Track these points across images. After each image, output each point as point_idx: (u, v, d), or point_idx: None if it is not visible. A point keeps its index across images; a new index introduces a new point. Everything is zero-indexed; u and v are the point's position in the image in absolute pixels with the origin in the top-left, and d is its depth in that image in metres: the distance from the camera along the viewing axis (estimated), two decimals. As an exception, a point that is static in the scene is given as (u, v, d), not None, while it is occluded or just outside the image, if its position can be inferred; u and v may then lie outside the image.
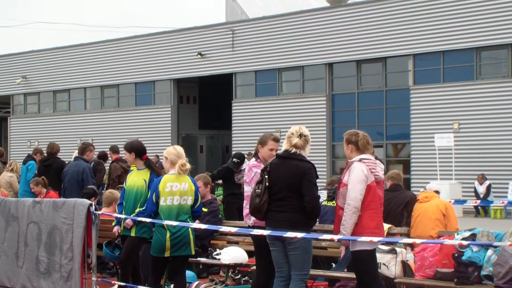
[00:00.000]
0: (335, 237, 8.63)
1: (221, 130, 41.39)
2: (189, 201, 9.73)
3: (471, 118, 29.23)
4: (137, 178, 10.40)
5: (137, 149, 10.52)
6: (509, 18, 28.53)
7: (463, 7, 29.67)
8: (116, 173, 16.54)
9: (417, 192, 16.14)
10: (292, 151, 8.73)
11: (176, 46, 39.20)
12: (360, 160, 8.63)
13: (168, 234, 9.58)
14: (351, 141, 8.79)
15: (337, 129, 33.10)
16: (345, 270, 10.39)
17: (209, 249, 12.29)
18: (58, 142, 20.71)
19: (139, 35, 41.82)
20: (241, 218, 14.33)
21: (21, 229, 10.75)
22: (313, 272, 10.11)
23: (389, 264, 10.07)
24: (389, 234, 10.66)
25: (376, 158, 9.25)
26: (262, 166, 9.08)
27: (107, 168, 17.80)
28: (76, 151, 14.96)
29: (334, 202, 12.35)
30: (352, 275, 9.27)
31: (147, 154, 10.75)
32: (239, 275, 12.39)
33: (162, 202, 9.65)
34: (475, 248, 9.30)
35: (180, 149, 9.96)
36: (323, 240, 10.80)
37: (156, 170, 10.54)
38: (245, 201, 9.55)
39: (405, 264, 10.14)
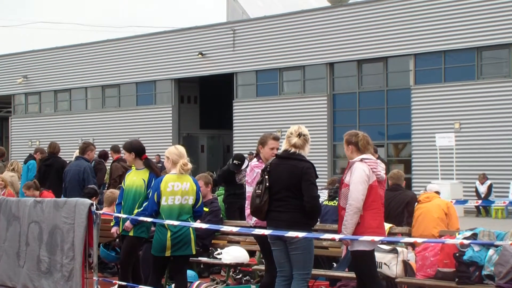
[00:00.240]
0: (336, 237, 8.64)
1: (222, 130, 41.39)
2: (190, 200, 9.73)
3: (472, 118, 29.22)
4: (135, 178, 10.40)
5: (137, 149, 10.53)
6: (510, 18, 28.51)
7: (464, 7, 29.66)
8: (117, 172, 16.55)
9: (418, 192, 16.15)
10: (291, 151, 8.73)
11: (177, 45, 39.21)
12: (361, 160, 8.63)
13: (169, 234, 9.58)
14: (351, 141, 8.79)
15: (338, 129, 33.09)
16: (346, 269, 10.40)
17: (210, 248, 12.30)
18: (59, 141, 20.72)
19: (140, 35, 41.83)
20: (242, 218, 14.36)
21: (22, 229, 10.76)
22: (314, 271, 10.10)
23: (390, 264, 10.07)
24: (390, 234, 10.66)
25: (379, 158, 9.27)
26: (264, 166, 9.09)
27: (108, 167, 17.81)
28: (77, 150, 14.96)
29: (335, 201, 12.37)
30: (353, 275, 9.28)
31: (148, 154, 10.76)
32: (240, 275, 12.39)
33: (163, 202, 9.65)
34: (476, 248, 9.29)
35: (181, 149, 9.96)
36: (324, 239, 10.81)
37: (155, 170, 10.54)
38: (247, 201, 9.57)
39: (406, 264, 10.14)
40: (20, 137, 47.01)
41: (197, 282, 11.26)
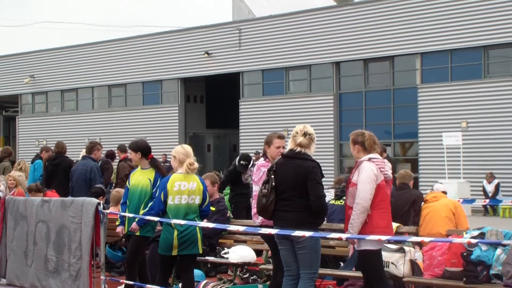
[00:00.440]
0: (343, 236, 8.63)
1: (228, 129, 41.40)
2: (197, 200, 9.73)
3: (479, 116, 29.17)
4: (141, 177, 10.39)
5: (143, 149, 10.52)
6: (517, 16, 28.48)
7: (471, 6, 29.60)
8: (124, 172, 16.55)
9: (425, 191, 16.13)
10: (296, 150, 8.72)
11: (183, 45, 39.23)
12: (369, 159, 8.61)
13: (175, 233, 9.57)
14: (357, 141, 8.77)
15: (345, 128, 33.06)
16: (353, 269, 10.39)
17: (217, 248, 12.30)
18: (66, 141, 20.74)
19: (146, 35, 41.87)
20: (249, 217, 14.35)
21: (29, 228, 10.78)
22: (321, 271, 10.09)
23: (397, 263, 10.06)
24: (398, 233, 10.64)
25: (388, 157, 9.25)
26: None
27: (114, 167, 17.81)
28: (84, 150, 14.97)
29: (341, 201, 12.36)
30: (360, 274, 9.26)
31: (154, 154, 10.75)
32: (247, 274, 12.39)
33: (170, 201, 9.65)
34: (484, 247, 9.27)
35: (188, 148, 9.95)
36: (331, 239, 10.80)
37: (161, 169, 10.54)
38: (253, 201, 9.57)
39: (413, 263, 10.13)
40: (27, 137, 47.10)
41: (204, 282, 11.26)
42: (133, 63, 41.27)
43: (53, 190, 14.52)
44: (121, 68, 41.94)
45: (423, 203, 12.35)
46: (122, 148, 17.40)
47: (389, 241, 9.80)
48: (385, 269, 9.76)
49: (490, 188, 27.77)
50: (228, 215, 12.78)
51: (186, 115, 40.53)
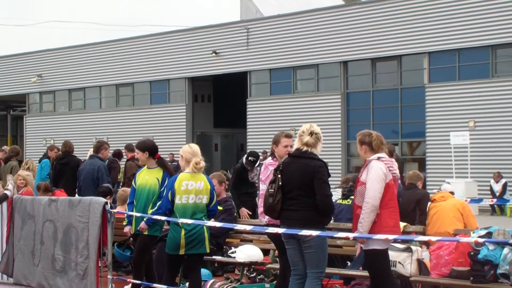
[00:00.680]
0: (350, 235, 8.62)
1: (236, 129, 41.41)
2: (204, 199, 9.73)
3: (487, 116, 29.11)
4: (148, 177, 10.39)
5: (150, 148, 10.53)
6: (525, 15, 28.42)
7: (479, 5, 29.55)
8: (132, 171, 16.54)
9: (432, 191, 16.11)
10: (303, 150, 8.72)
11: (191, 44, 39.25)
12: (378, 158, 8.60)
13: (182, 232, 9.57)
14: (364, 141, 8.75)
15: (352, 128, 33.03)
16: (361, 268, 10.39)
17: (224, 247, 12.30)
18: (73, 140, 20.78)
19: (154, 34, 41.91)
20: (255, 217, 14.34)
21: (37, 228, 10.80)
22: (328, 270, 10.09)
23: (404, 263, 10.05)
24: (405, 233, 10.63)
25: (397, 157, 9.24)
26: (278, 164, 9.09)
27: (122, 166, 17.82)
28: (91, 149, 14.99)
29: (349, 200, 12.36)
30: (367, 273, 9.25)
31: (161, 153, 10.76)
32: (254, 273, 12.40)
33: (177, 201, 9.65)
34: (491, 247, 9.26)
35: (195, 147, 9.95)
36: (338, 238, 10.80)
37: (169, 169, 10.54)
38: (260, 199, 9.57)
39: (420, 263, 10.12)
40: (34, 136, 47.20)
41: (211, 281, 11.25)
42: (140, 63, 41.31)
43: (62, 189, 14.54)
44: (128, 67, 41.99)
45: (430, 202, 12.34)
46: (129, 148, 17.40)
47: (396, 241, 9.81)
48: (392, 268, 9.75)
49: (497, 187, 27.72)
50: (235, 214, 12.79)
51: (193, 115, 40.55)
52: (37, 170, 17.33)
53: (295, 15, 35.61)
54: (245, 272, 12.18)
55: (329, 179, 8.70)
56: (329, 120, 33.27)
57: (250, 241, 12.19)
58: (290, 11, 36.83)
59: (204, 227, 9.66)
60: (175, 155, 34.00)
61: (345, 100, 33.89)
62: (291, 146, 9.37)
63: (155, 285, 10.07)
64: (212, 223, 9.78)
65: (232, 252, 11.87)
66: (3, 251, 11.34)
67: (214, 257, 11.94)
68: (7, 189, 11.52)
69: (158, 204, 10.09)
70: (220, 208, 11.70)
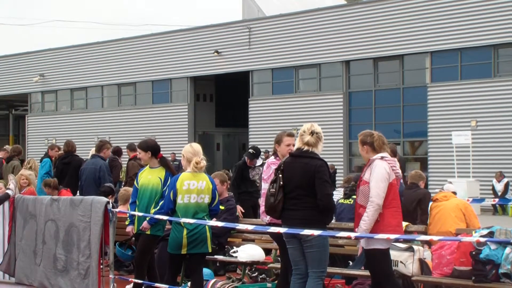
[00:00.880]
0: (352, 235, 8.61)
1: (238, 128, 41.43)
2: (206, 199, 9.72)
3: (489, 115, 29.11)
4: (151, 176, 10.39)
5: (153, 148, 10.53)
6: (527, 15, 28.41)
7: (481, 5, 29.54)
8: (134, 170, 16.51)
9: (433, 190, 16.09)
10: (304, 149, 8.73)
11: (192, 44, 39.26)
12: (381, 158, 8.60)
13: (185, 232, 9.57)
14: (366, 142, 8.76)
15: (354, 127, 33.04)
16: (362, 268, 10.38)
17: (226, 247, 12.30)
18: (75, 140, 20.79)
19: (156, 33, 41.92)
20: (256, 216, 14.35)
21: (39, 227, 10.79)
22: (330, 270, 10.10)
23: (406, 262, 10.05)
24: (407, 232, 10.64)
25: (400, 158, 9.23)
26: (281, 163, 9.10)
27: (124, 165, 17.81)
28: (93, 149, 14.99)
29: (350, 200, 12.37)
30: (369, 273, 9.25)
31: (163, 152, 10.76)
32: (256, 273, 12.40)
33: (179, 200, 9.65)
34: (493, 246, 9.26)
35: (196, 147, 9.94)
36: (340, 238, 10.80)
37: (171, 168, 10.54)
38: (261, 198, 9.58)
39: (422, 262, 10.12)
40: (36, 135, 47.23)
41: (213, 280, 11.26)
42: (142, 62, 41.33)
43: (68, 189, 14.54)
44: (130, 66, 42.01)
45: (432, 202, 12.34)
46: (131, 147, 17.38)
47: (398, 240, 9.81)
48: (394, 268, 9.75)
49: (499, 187, 27.72)
50: (236, 213, 12.79)
51: (195, 114, 40.57)
52: (39, 169, 17.32)
53: (297, 15, 35.61)
54: (247, 271, 12.18)
55: (330, 178, 8.70)
56: (331, 120, 33.28)
57: (252, 240, 12.19)
58: (292, 10, 36.83)
59: (206, 227, 9.65)
60: (177, 155, 34.01)
61: (347, 99, 33.89)
62: (293, 145, 9.38)
63: (157, 284, 10.08)
64: (214, 222, 9.79)
65: (234, 252, 11.87)
66: (4, 251, 11.34)
67: (216, 256, 11.94)
68: (8, 189, 11.52)
69: (160, 203, 10.10)
70: (222, 207, 11.69)
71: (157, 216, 9.88)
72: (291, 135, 9.65)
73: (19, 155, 18.67)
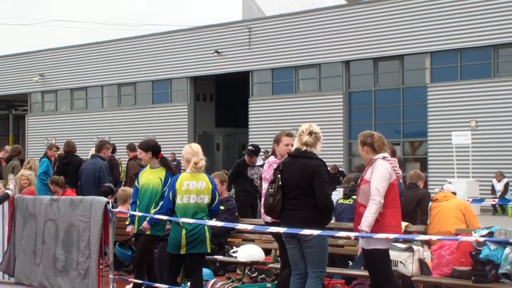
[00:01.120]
0: (351, 234, 8.61)
1: (238, 128, 41.43)
2: (206, 200, 9.71)
3: (489, 115, 29.11)
4: (151, 176, 10.39)
5: (154, 148, 10.52)
6: (527, 15, 28.42)
7: (481, 5, 29.55)
8: (134, 170, 16.51)
9: (433, 190, 16.10)
10: (302, 149, 8.73)
11: (192, 44, 39.26)
12: (383, 158, 8.61)
13: (184, 232, 9.57)
14: (366, 142, 8.76)
15: (354, 127, 33.05)
16: (362, 268, 10.38)
17: (225, 247, 12.30)
18: (75, 140, 20.78)
19: (156, 33, 41.93)
20: (255, 215, 14.36)
21: (38, 227, 10.80)
22: (330, 270, 10.10)
23: (406, 262, 10.05)
24: (407, 232, 10.64)
25: (398, 157, 9.23)
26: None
27: (123, 164, 17.80)
28: (93, 149, 14.99)
29: (350, 200, 12.36)
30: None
31: (163, 152, 10.76)
32: (256, 273, 12.40)
33: (178, 200, 9.65)
34: (492, 246, 9.26)
35: (195, 147, 9.94)
36: (340, 238, 10.80)
37: (172, 168, 10.54)
38: (263, 198, 9.58)
39: (422, 262, 10.12)
40: (36, 135, 47.23)
41: (213, 280, 11.26)
42: (142, 62, 41.34)
43: (74, 189, 14.54)
44: (130, 66, 42.02)
45: (432, 202, 12.34)
46: (131, 147, 17.37)
47: (397, 240, 9.81)
48: (394, 268, 9.76)
49: (499, 186, 27.72)
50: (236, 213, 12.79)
51: (195, 114, 40.58)
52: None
53: (297, 15, 35.61)
54: (246, 271, 12.18)
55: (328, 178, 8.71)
56: (331, 120, 33.28)
57: (251, 240, 12.19)
58: (292, 10, 36.84)
59: (206, 227, 9.65)
60: (176, 155, 34.02)
61: (347, 99, 33.90)
62: (292, 145, 9.39)
63: (156, 284, 10.08)
64: (213, 222, 9.78)
65: (234, 252, 11.87)
66: (4, 251, 11.35)
67: (215, 256, 11.94)
68: (8, 189, 11.53)
69: (160, 204, 10.10)
70: (221, 207, 11.69)
71: (157, 216, 9.88)
72: (289, 135, 9.67)
73: (19, 155, 18.67)
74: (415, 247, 10.14)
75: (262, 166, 14.35)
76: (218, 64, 38.24)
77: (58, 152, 17.45)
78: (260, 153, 15.97)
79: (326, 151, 29.22)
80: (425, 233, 10.91)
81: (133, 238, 10.86)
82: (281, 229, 8.57)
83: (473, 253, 9.36)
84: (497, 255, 9.22)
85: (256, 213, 14.61)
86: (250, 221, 12.39)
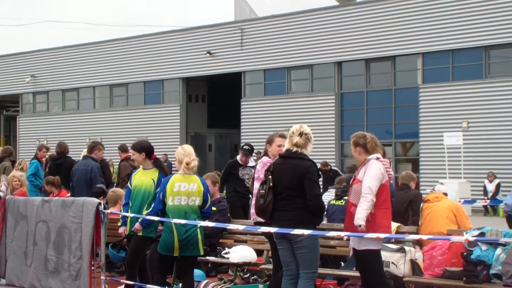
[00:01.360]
0: (342, 234, 8.62)
1: (230, 129, 41.41)
2: (197, 202, 9.69)
3: (480, 116, 29.18)
4: (144, 177, 10.35)
5: (147, 149, 10.48)
6: (519, 16, 28.49)
7: (472, 6, 29.61)
8: (126, 171, 16.50)
9: (424, 191, 16.13)
10: (293, 150, 8.74)
11: (185, 45, 39.24)
12: (377, 158, 8.63)
13: (176, 235, 9.56)
14: (359, 143, 8.77)
15: (346, 128, 33.07)
16: (354, 269, 10.39)
17: (217, 248, 12.29)
18: (67, 141, 20.75)
19: (148, 34, 41.88)
20: (246, 216, 14.36)
21: (30, 228, 10.78)
22: (322, 271, 10.10)
23: (398, 263, 10.06)
24: (398, 233, 10.64)
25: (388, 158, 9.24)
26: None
27: (115, 166, 17.77)
28: (85, 150, 14.96)
29: (342, 201, 12.37)
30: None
31: (155, 153, 10.73)
32: (248, 274, 12.39)
33: (169, 202, 9.64)
34: (484, 247, 9.28)
35: (188, 148, 9.93)
36: (332, 238, 10.80)
37: (165, 170, 10.52)
38: (253, 198, 9.58)
39: (414, 263, 10.13)
40: (28, 136, 47.12)
41: (205, 282, 11.25)
42: (134, 63, 41.28)
43: (69, 190, 14.52)
44: (122, 67, 41.96)
45: (424, 203, 12.36)
46: (123, 148, 17.35)
47: (389, 241, 9.82)
48: (386, 269, 9.78)
49: (491, 187, 27.78)
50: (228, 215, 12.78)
51: (187, 115, 40.54)
52: (29, 171, 17.28)
53: (289, 16, 35.63)
54: (238, 272, 12.17)
55: (319, 179, 8.73)
56: (323, 121, 33.30)
57: (244, 241, 12.18)
58: (285, 11, 36.83)
59: (198, 230, 9.64)
60: (169, 156, 33.98)
61: (339, 100, 33.92)
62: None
63: (148, 286, 10.06)
64: (204, 223, 9.76)
65: (226, 253, 11.86)
66: (-4, 252, 11.32)
67: (207, 257, 11.92)
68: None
69: (153, 205, 10.08)
70: (213, 208, 11.68)
71: (149, 217, 9.86)
72: (282, 136, 9.69)
73: (10, 156, 18.62)
74: (407, 248, 10.15)
75: (253, 167, 14.38)
76: (210, 65, 38.22)
77: (50, 153, 17.42)
78: (252, 154, 15.97)
79: (318, 152, 29.24)
80: (416, 233, 10.92)
81: (125, 240, 10.84)
82: (272, 229, 8.57)
83: (465, 253, 9.38)
84: (488, 256, 9.24)
85: (248, 214, 14.61)
86: (242, 221, 12.38)
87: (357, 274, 10.09)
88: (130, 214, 10.18)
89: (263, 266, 11.37)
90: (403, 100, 32.01)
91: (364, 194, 8.41)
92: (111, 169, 23.29)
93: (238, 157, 15.41)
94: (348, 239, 9.26)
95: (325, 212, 11.63)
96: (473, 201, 20.91)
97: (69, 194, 14.24)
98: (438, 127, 29.88)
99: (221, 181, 14.39)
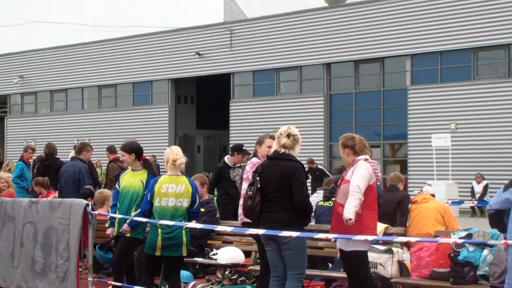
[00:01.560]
0: (330, 236, 8.63)
1: (219, 130, 41.38)
2: (185, 203, 9.68)
3: (468, 118, 29.26)
4: (133, 179, 10.32)
5: (137, 150, 10.46)
6: (507, 18, 28.55)
7: (461, 8, 29.70)
8: (114, 173, 16.47)
9: (413, 192, 16.14)
10: (281, 152, 8.74)
11: (174, 46, 39.20)
12: (366, 159, 8.65)
13: (160, 234, 9.56)
14: (347, 145, 8.79)
15: (335, 129, 33.11)
16: (342, 270, 10.39)
17: (205, 249, 12.28)
18: (55, 142, 20.69)
19: (137, 35, 41.80)
20: (236, 218, 14.33)
21: (17, 229, 10.73)
22: (309, 272, 10.11)
23: (385, 264, 10.08)
24: (386, 234, 10.67)
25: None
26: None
27: (104, 167, 17.74)
28: (73, 151, 14.93)
29: (330, 202, 12.37)
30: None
31: (144, 154, 10.72)
32: (236, 275, 12.38)
33: (156, 203, 9.63)
34: (471, 248, 9.31)
35: (176, 149, 9.92)
36: (319, 240, 10.81)
37: (154, 171, 10.50)
38: (241, 199, 9.59)
39: (401, 264, 10.15)
40: (15, 137, 46.96)
41: (193, 283, 11.24)
42: (123, 64, 41.22)
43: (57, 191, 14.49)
44: (111, 68, 41.88)
45: (411, 204, 12.39)
46: (111, 149, 17.32)
47: (377, 242, 9.84)
48: (373, 270, 9.80)
49: (478, 188, 27.86)
50: (217, 216, 12.77)
51: (176, 116, 40.50)
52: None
53: (278, 17, 35.65)
54: (226, 274, 12.17)
55: (306, 180, 8.73)
56: (312, 122, 33.33)
57: (231, 243, 12.18)
58: (274, 12, 36.85)
59: (183, 231, 9.63)
60: (157, 157, 33.94)
61: (328, 102, 33.96)
62: (273, 148, 9.43)
63: (135, 287, 10.04)
64: (192, 224, 9.75)
65: (214, 254, 11.85)
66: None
67: (195, 258, 11.92)
68: (-13, 191, 11.46)
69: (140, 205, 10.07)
70: (202, 209, 11.67)
71: (136, 218, 9.85)
72: (273, 137, 9.69)
73: (-2, 158, 18.57)
74: (394, 249, 10.17)
75: (241, 167, 14.38)
76: (199, 66, 38.19)
77: (38, 155, 17.38)
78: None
79: (307, 153, 29.26)
80: (404, 235, 10.95)
81: (113, 241, 10.81)
82: (260, 231, 8.57)
83: (452, 254, 9.41)
84: (476, 257, 9.27)
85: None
86: (230, 223, 12.38)
87: (344, 275, 10.10)
88: (118, 216, 10.16)
89: (251, 267, 11.37)
90: (391, 102, 32.08)
91: (353, 192, 8.42)
92: (99, 170, 23.27)
93: (226, 159, 15.33)
94: (335, 240, 9.27)
95: (313, 213, 11.65)
96: (461, 202, 20.97)
97: (56, 195, 14.21)
98: (427, 129, 29.95)
99: (211, 186, 14.37)
